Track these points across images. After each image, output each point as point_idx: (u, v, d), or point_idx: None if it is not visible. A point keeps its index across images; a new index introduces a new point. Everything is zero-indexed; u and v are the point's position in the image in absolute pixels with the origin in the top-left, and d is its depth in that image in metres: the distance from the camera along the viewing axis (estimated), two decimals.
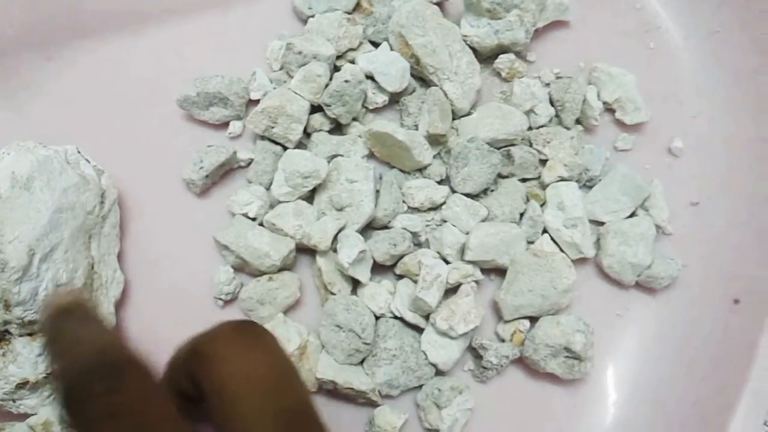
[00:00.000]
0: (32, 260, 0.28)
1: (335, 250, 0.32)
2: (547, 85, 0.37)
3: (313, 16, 0.36)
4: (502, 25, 0.36)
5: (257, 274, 0.33)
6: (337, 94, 0.34)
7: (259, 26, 0.37)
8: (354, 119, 0.35)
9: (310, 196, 0.34)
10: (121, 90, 0.36)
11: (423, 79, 0.36)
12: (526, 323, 0.33)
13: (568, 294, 0.33)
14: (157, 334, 0.33)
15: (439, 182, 0.35)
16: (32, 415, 0.30)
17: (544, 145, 0.35)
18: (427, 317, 0.32)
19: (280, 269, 0.33)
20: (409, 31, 0.35)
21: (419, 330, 0.33)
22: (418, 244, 0.34)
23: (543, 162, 0.35)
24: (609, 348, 0.34)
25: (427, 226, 0.34)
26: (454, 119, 0.35)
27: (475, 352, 0.33)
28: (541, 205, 0.35)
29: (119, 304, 0.33)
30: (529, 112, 0.36)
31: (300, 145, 0.35)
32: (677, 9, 0.39)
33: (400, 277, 0.33)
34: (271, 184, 0.34)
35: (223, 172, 0.35)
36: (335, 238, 0.32)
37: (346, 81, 0.34)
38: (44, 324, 0.22)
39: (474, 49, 0.36)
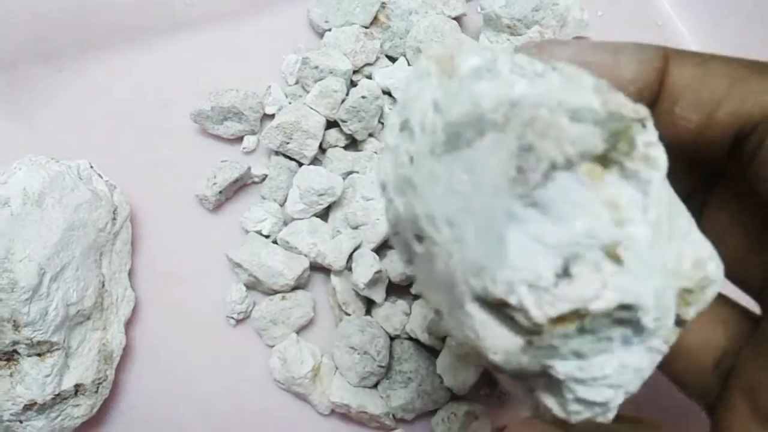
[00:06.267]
0: (42, 280, 0.27)
1: (350, 269, 0.32)
2: None
3: (329, 30, 0.36)
4: (522, 42, 0.35)
5: (270, 292, 0.33)
6: (354, 109, 0.33)
7: (274, 40, 0.36)
8: (370, 135, 0.35)
9: (324, 214, 0.34)
10: (133, 103, 0.35)
11: None
12: None
13: None
14: (169, 353, 0.33)
15: None
16: None
17: None
18: (443, 339, 0.32)
19: (294, 288, 0.33)
20: (427, 47, 0.34)
21: (435, 352, 0.32)
22: None
23: None
24: None
25: None
26: None
27: (491, 375, 0.32)
28: None
29: (130, 323, 0.32)
30: None
31: (315, 161, 0.34)
32: (699, 26, 0.38)
33: (416, 297, 0.33)
34: (285, 200, 0.34)
35: (237, 187, 0.34)
36: (350, 257, 0.32)
37: (363, 97, 0.33)
38: None
39: None
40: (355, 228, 0.33)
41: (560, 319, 0.13)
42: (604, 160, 0.13)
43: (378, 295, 0.32)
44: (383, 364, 0.31)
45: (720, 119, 0.16)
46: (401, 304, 0.32)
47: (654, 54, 0.17)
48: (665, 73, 0.17)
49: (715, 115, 0.16)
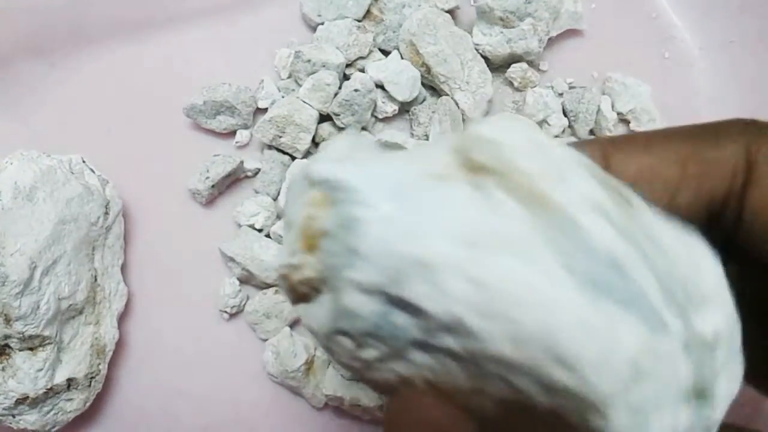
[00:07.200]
0: (34, 273, 0.27)
1: None
2: (561, 95, 0.36)
3: (322, 24, 0.36)
4: (515, 34, 0.35)
5: (263, 286, 0.33)
6: (347, 103, 0.33)
7: (267, 34, 0.36)
8: (363, 129, 0.34)
9: None
10: (126, 98, 0.35)
11: (434, 89, 0.35)
12: None
13: None
14: (162, 347, 0.33)
15: None
16: (32, 431, 0.29)
17: None
18: None
19: None
20: (420, 40, 0.34)
21: None
22: None
23: None
24: None
25: None
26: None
27: None
28: None
29: (123, 317, 0.32)
30: (542, 123, 0.35)
31: (308, 155, 0.34)
32: (693, 18, 0.38)
33: None
34: (278, 194, 0.34)
35: (230, 182, 0.34)
36: None
37: (356, 90, 0.33)
38: None
39: (486, 58, 0.35)
40: None
41: None
42: None
43: None
44: None
45: (683, 204, 0.16)
46: None
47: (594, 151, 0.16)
48: (608, 168, 0.16)
49: (676, 201, 0.16)
